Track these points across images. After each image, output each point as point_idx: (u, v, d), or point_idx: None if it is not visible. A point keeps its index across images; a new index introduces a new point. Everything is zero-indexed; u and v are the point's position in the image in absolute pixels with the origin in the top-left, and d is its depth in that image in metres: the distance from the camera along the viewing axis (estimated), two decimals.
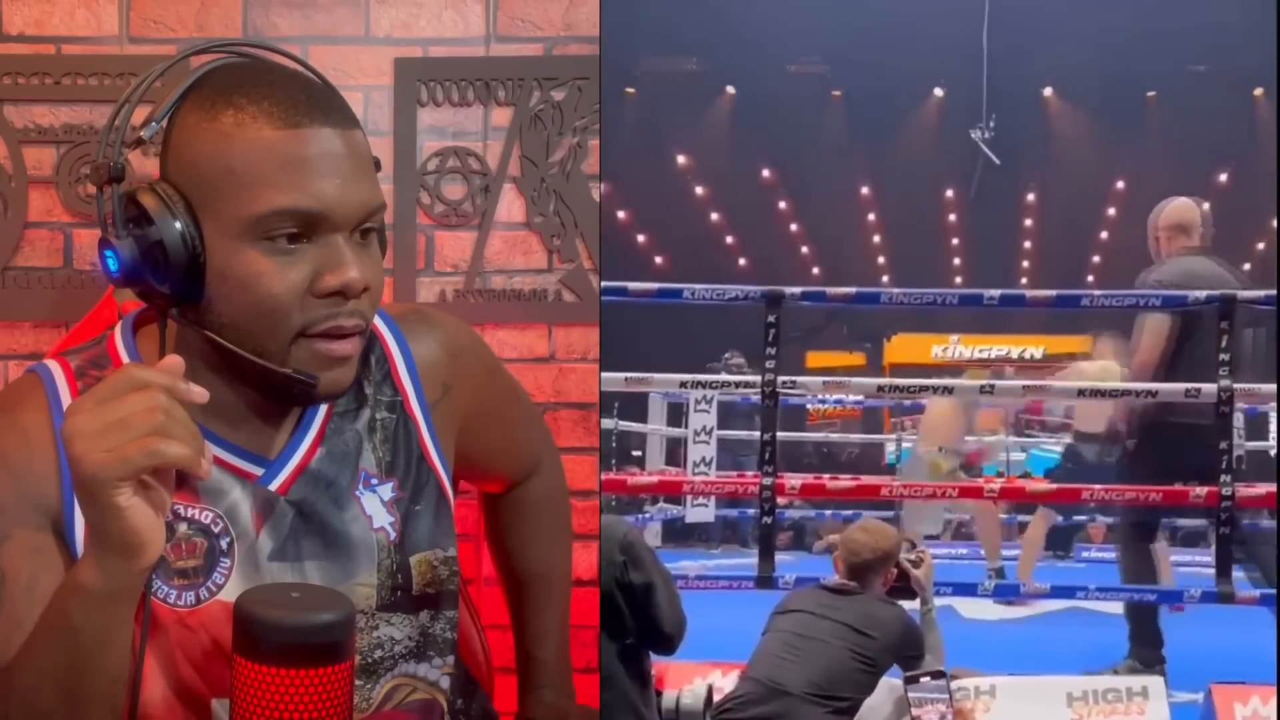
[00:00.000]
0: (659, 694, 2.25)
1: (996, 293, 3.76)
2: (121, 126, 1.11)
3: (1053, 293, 3.72)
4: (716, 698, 2.53)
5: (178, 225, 1.09)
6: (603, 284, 2.50)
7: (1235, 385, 3.45)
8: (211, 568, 1.16)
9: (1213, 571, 3.57)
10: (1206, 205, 4.05)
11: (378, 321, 1.29)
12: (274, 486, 1.19)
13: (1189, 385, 3.67)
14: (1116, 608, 3.94)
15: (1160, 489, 3.74)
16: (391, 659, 1.24)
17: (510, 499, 1.55)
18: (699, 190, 12.44)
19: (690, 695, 2.38)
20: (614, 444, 6.83)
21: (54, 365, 1.19)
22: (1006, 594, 3.89)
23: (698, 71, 11.18)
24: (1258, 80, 10.48)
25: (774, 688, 2.54)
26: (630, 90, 10.75)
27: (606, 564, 2.06)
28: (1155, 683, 3.02)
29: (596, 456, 2.46)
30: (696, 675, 2.91)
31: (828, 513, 7.21)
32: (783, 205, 12.92)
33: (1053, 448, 7.96)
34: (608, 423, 6.34)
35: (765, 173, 12.35)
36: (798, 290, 3.66)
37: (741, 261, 13.07)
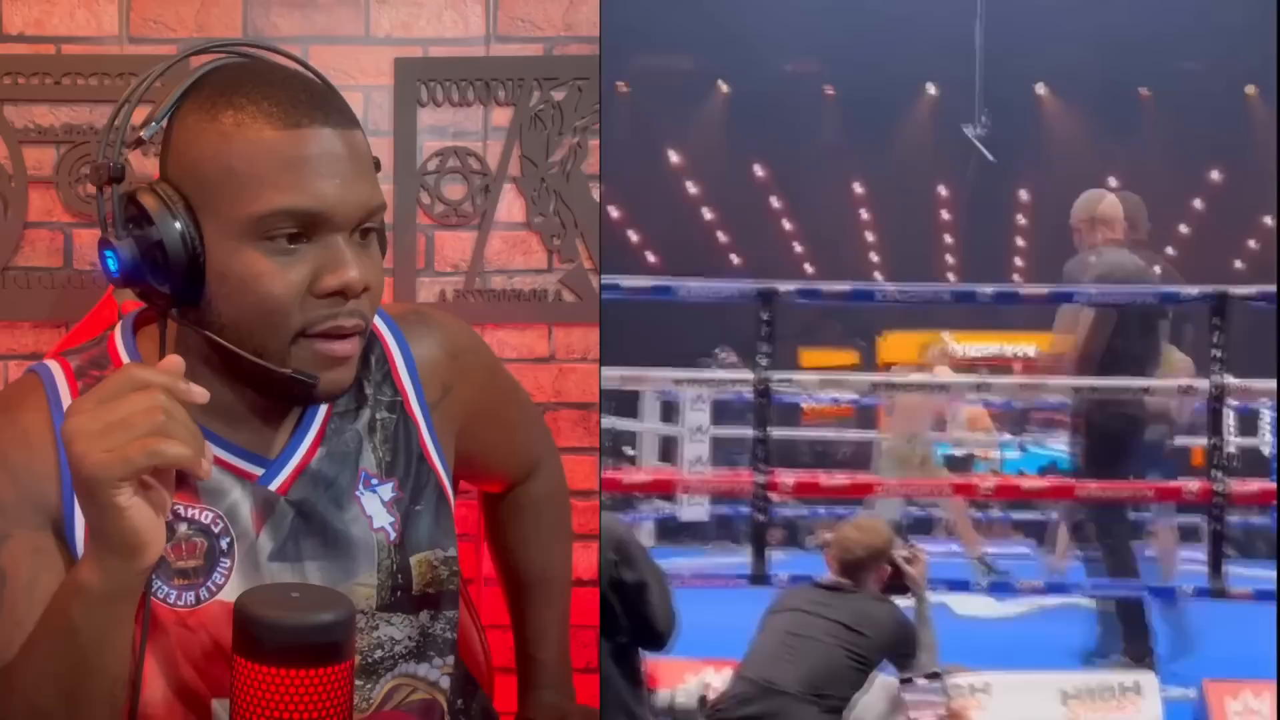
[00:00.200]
0: (652, 692, 2.26)
1: (991, 289, 3.77)
2: (121, 126, 1.11)
3: (1046, 289, 3.72)
4: (710, 696, 2.54)
5: (178, 225, 1.09)
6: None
7: (1230, 381, 3.47)
8: (211, 568, 1.16)
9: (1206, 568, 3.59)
10: (1137, 199, 4.06)
11: (378, 322, 1.29)
12: (274, 487, 1.19)
13: (1182, 381, 3.70)
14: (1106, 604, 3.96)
15: (1153, 485, 3.76)
16: (391, 659, 1.24)
17: (510, 499, 1.55)
18: (692, 187, 12.39)
19: (684, 693, 2.39)
20: (607, 442, 6.82)
21: (54, 365, 1.19)
22: (1001, 591, 3.90)
23: (691, 68, 11.13)
24: (1250, 78, 10.48)
25: (767, 686, 2.54)
26: (623, 87, 10.75)
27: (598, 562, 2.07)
28: (1148, 679, 3.03)
29: (597, 456, 2.47)
30: (690, 673, 2.92)
31: (821, 510, 7.20)
32: (776, 203, 12.90)
33: (1057, 446, 7.95)
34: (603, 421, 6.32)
35: (758, 170, 12.31)
36: (792, 286, 3.66)
37: (735, 259, 13.04)
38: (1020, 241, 13.29)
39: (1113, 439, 3.76)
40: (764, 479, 3.49)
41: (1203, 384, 3.50)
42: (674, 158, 11.95)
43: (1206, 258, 10.79)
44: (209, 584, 1.16)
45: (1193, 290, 3.60)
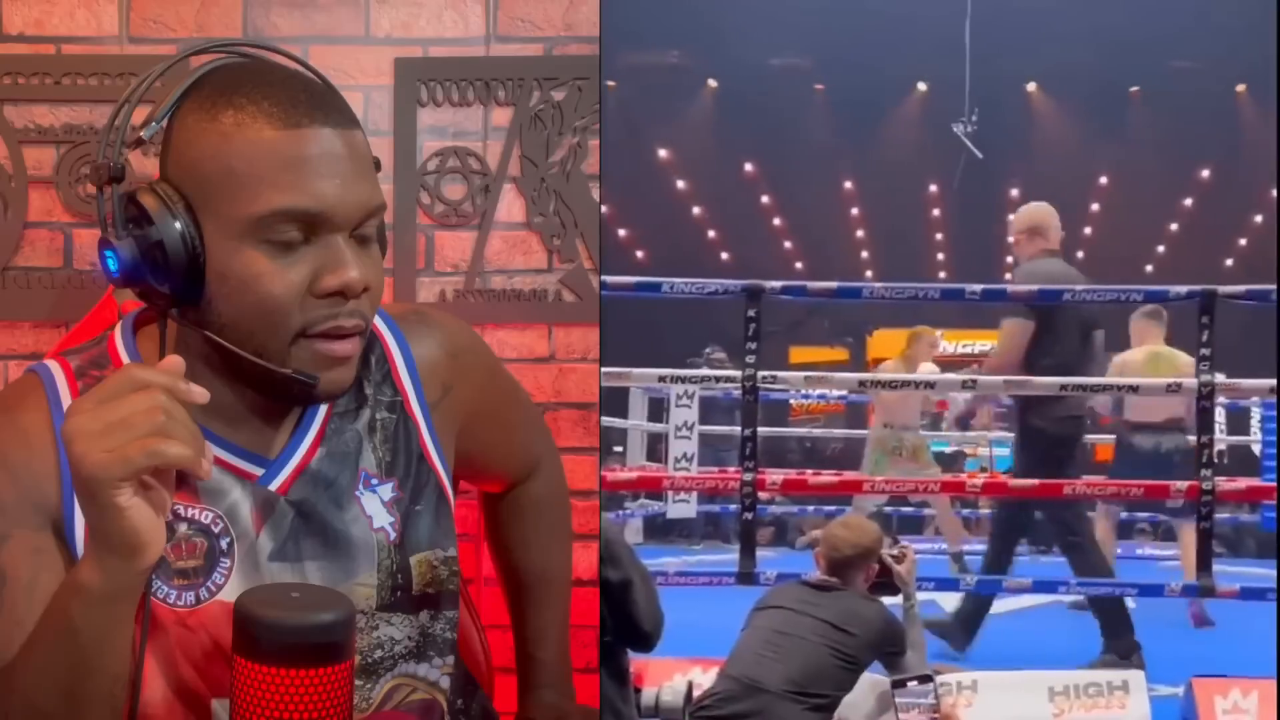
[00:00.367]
0: (638, 691, 2.25)
1: (979, 287, 3.77)
2: (121, 126, 1.11)
3: (1035, 287, 3.74)
4: (696, 694, 2.53)
5: (178, 225, 1.09)
6: None
7: (1218, 379, 3.51)
8: (211, 568, 1.16)
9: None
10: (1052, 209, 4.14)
11: (378, 322, 1.29)
12: (274, 487, 1.19)
13: (1171, 379, 3.73)
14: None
15: (1141, 484, 3.78)
16: (391, 659, 1.24)
17: (510, 499, 1.56)
18: (681, 185, 12.38)
19: (670, 692, 2.38)
20: None
21: (54, 365, 1.19)
22: (989, 589, 3.92)
23: (679, 65, 11.10)
24: (1241, 77, 10.49)
25: (752, 685, 2.53)
26: (611, 84, 10.71)
27: None
28: (1136, 676, 3.03)
29: (596, 456, 2.47)
30: (676, 672, 2.91)
31: (810, 508, 7.20)
32: (766, 200, 12.89)
33: None
34: None
35: (748, 167, 12.28)
36: (778, 284, 3.66)
37: (724, 256, 13.03)
38: (1011, 240, 13.28)
39: (1047, 440, 3.82)
40: (751, 477, 3.48)
41: (1191, 382, 3.52)
42: (663, 155, 11.92)
43: (1196, 256, 10.82)
44: (209, 584, 1.16)
45: (1181, 289, 3.63)
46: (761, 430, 3.61)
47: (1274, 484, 4.27)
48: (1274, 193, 10.96)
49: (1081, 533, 3.89)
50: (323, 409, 1.23)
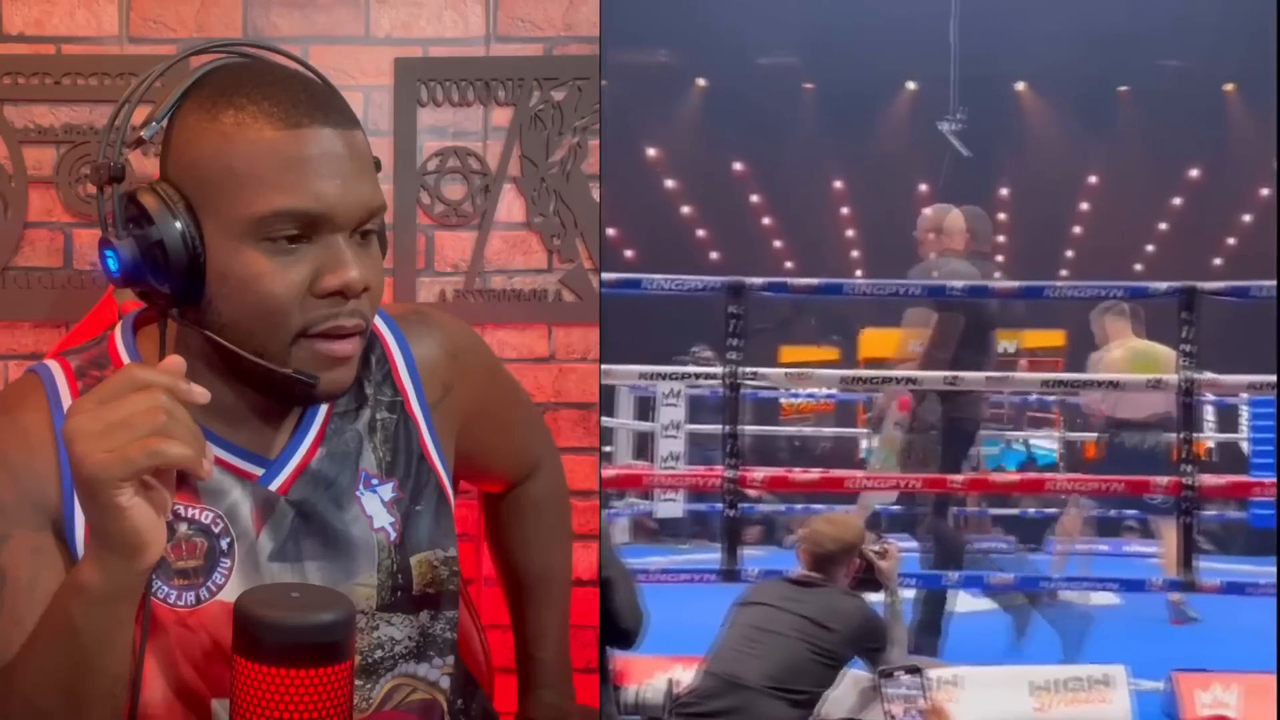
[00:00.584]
0: (618, 689, 2.25)
1: (961, 284, 3.79)
2: (122, 126, 1.11)
3: (1016, 284, 3.80)
4: (677, 692, 2.52)
5: (178, 225, 1.09)
6: None
7: (1198, 375, 3.54)
8: (212, 568, 1.16)
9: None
10: (982, 213, 4.31)
11: (378, 322, 1.29)
12: (274, 487, 1.19)
13: (1150, 376, 3.77)
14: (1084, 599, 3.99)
15: (1123, 479, 3.81)
16: (391, 659, 1.24)
17: (510, 499, 1.56)
18: (670, 184, 12.31)
19: (651, 690, 2.38)
20: None
21: (54, 365, 1.19)
22: (972, 585, 3.96)
23: (668, 64, 11.01)
24: (1229, 76, 10.49)
25: (731, 681, 2.53)
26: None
27: None
28: (1117, 671, 3.04)
29: (597, 456, 2.47)
30: (658, 670, 2.91)
31: (799, 507, 7.18)
32: (755, 199, 12.84)
33: (1042, 444, 7.95)
34: None
35: (737, 166, 12.21)
36: (760, 281, 3.67)
37: (714, 255, 12.99)
38: (1001, 238, 13.27)
39: (964, 434, 3.93)
40: (734, 474, 3.49)
41: (1172, 379, 3.54)
42: (652, 154, 11.84)
43: (1185, 256, 10.81)
44: (209, 584, 1.16)
45: (1161, 286, 3.66)
46: (749, 429, 3.62)
47: (1257, 479, 4.28)
48: (1263, 192, 11.00)
49: (947, 526, 4.01)
50: (323, 409, 1.23)
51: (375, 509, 1.24)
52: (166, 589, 1.14)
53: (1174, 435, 4.29)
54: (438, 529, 1.27)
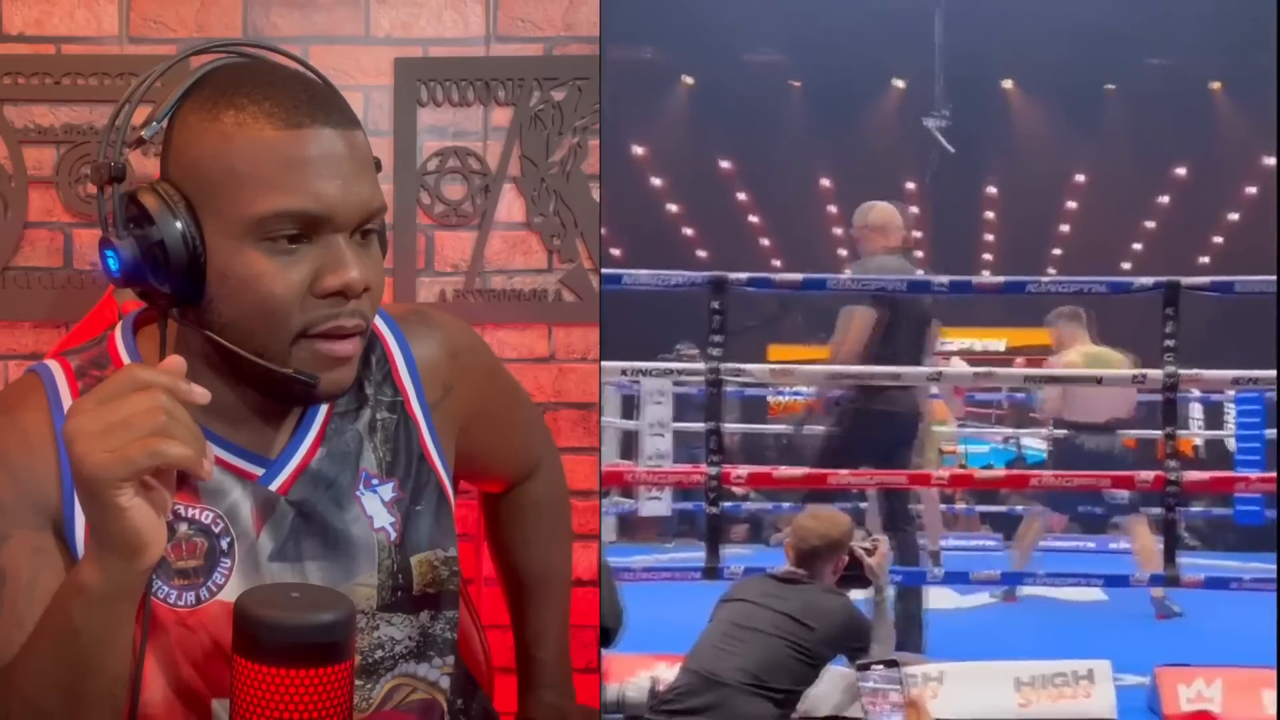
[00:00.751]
0: (602, 686, 2.24)
1: (945, 279, 3.82)
2: (122, 126, 1.11)
3: (1000, 279, 3.82)
4: (659, 689, 2.51)
5: (178, 225, 1.09)
6: None
7: (1181, 371, 3.55)
8: (212, 568, 1.16)
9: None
10: (895, 208, 4.29)
11: (378, 322, 1.29)
12: (274, 487, 1.19)
13: (1136, 370, 3.79)
14: (1071, 595, 3.98)
15: (1108, 475, 3.83)
16: (392, 659, 1.24)
17: (510, 499, 1.56)
18: (656, 181, 12.26)
19: (634, 688, 2.37)
20: None
21: (54, 365, 1.19)
22: (956, 582, 3.97)
23: (654, 61, 10.97)
24: (1215, 74, 10.49)
25: (710, 678, 2.51)
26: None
27: None
28: (1102, 666, 3.05)
29: (597, 456, 2.47)
30: (641, 668, 2.90)
31: (785, 505, 7.17)
32: (742, 197, 12.81)
33: (1032, 443, 7.95)
34: None
35: (724, 164, 12.18)
36: (743, 276, 3.66)
37: (701, 253, 12.97)
38: (988, 236, 13.27)
39: (864, 429, 3.95)
40: (716, 471, 3.48)
41: (1156, 374, 3.54)
42: (638, 151, 11.78)
43: (1172, 253, 10.80)
44: (209, 584, 1.16)
45: (1146, 281, 3.68)
46: (736, 427, 3.63)
47: (1241, 475, 4.28)
48: (1249, 190, 11.00)
49: (911, 523, 4.03)
50: (323, 409, 1.23)
51: (375, 509, 1.24)
52: (167, 589, 1.14)
53: (1126, 435, 4.32)
54: (438, 529, 1.27)
